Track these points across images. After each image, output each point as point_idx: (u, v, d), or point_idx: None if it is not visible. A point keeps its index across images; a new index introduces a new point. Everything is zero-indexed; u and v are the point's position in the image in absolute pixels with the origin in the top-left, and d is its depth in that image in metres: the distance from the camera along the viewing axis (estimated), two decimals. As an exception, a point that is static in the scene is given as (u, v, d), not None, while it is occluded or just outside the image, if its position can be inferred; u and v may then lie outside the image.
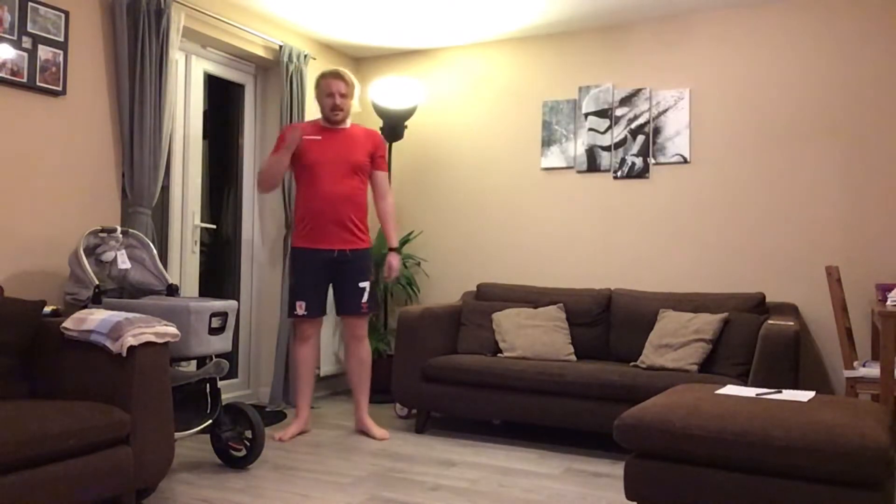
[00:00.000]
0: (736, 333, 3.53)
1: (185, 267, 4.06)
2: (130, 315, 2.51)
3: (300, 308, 3.65)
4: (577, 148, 4.50)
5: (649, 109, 4.31)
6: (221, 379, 3.51)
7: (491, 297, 4.34)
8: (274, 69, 4.57)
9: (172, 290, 3.19)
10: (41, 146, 3.17)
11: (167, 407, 2.54)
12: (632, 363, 3.73)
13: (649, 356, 3.61)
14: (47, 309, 2.79)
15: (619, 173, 4.38)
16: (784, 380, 3.06)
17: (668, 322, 3.70)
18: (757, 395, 2.46)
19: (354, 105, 3.78)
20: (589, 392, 3.42)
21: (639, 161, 4.33)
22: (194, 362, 3.51)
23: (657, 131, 4.29)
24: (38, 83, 3.11)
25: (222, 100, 4.46)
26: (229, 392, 4.34)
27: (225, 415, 3.08)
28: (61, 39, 3.20)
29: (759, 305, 3.73)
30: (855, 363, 3.27)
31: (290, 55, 4.37)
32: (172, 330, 2.56)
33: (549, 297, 4.18)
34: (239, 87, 4.53)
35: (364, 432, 3.76)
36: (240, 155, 4.55)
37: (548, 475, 3.12)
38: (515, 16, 4.31)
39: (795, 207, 3.97)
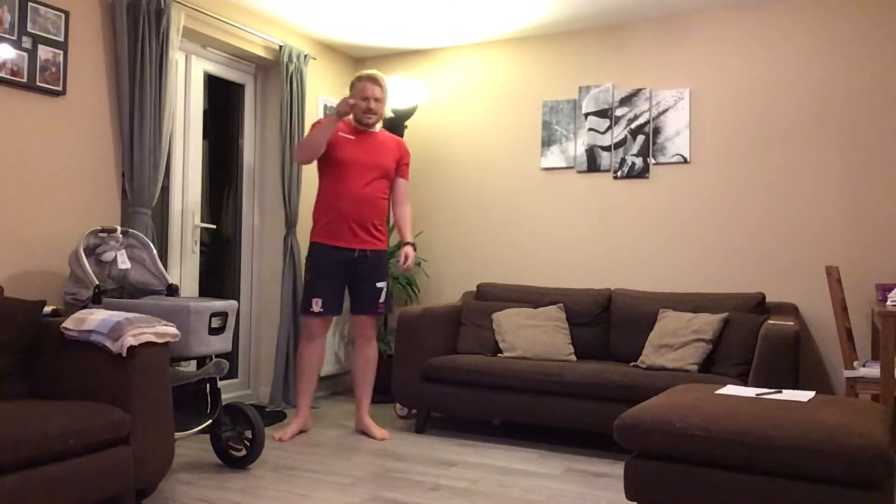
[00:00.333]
0: (736, 333, 3.53)
1: (185, 267, 4.06)
2: (130, 315, 2.51)
3: (316, 305, 3.62)
4: (577, 148, 4.50)
5: (649, 109, 4.31)
6: (221, 379, 3.51)
7: (491, 297, 4.34)
8: (274, 69, 4.57)
9: (172, 290, 3.19)
10: (41, 146, 3.17)
11: (167, 407, 2.54)
12: (632, 363, 3.73)
13: (649, 356, 3.61)
14: (47, 309, 2.79)
15: (619, 173, 4.38)
16: (784, 380, 3.06)
17: (668, 322, 3.70)
18: (757, 395, 2.46)
19: (386, 111, 3.80)
20: (589, 392, 3.42)
21: (639, 161, 4.33)
22: (194, 362, 3.51)
23: (657, 131, 4.29)
24: (38, 83, 3.11)
25: (222, 100, 4.46)
26: (229, 392, 4.34)
27: (225, 415, 3.08)
28: (61, 39, 3.20)
29: (759, 305, 3.73)
30: (855, 363, 3.27)
31: (290, 55, 4.37)
32: (172, 330, 2.56)
33: (549, 297, 4.18)
34: (239, 87, 4.53)
35: (364, 432, 3.76)
36: (240, 155, 4.55)
37: (548, 475, 3.12)
38: (515, 16, 4.31)
39: (795, 207, 3.97)
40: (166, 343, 2.54)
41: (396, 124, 4.69)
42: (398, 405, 4.25)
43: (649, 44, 4.35)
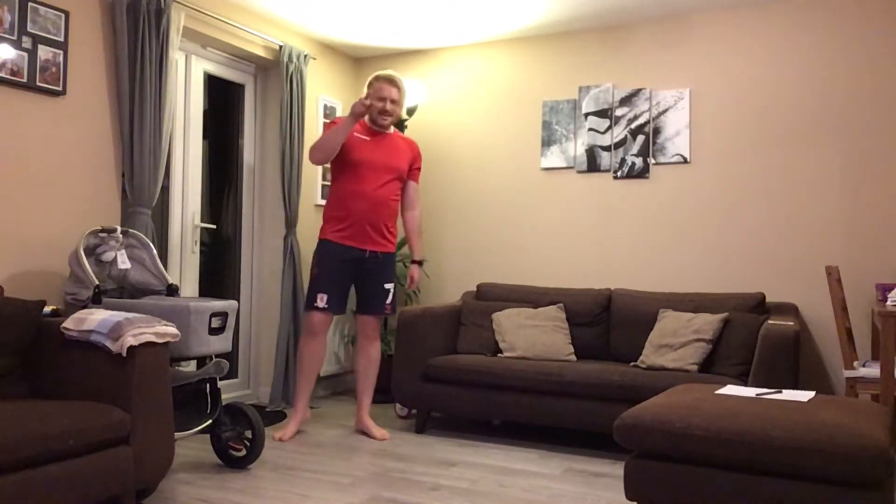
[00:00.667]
0: (736, 333, 3.53)
1: (185, 267, 4.06)
2: (130, 315, 2.51)
3: (321, 300, 3.62)
4: (577, 148, 4.50)
5: (649, 109, 4.31)
6: (221, 379, 3.52)
7: (491, 297, 4.34)
8: (274, 69, 4.57)
9: (172, 290, 3.19)
10: (41, 146, 3.17)
11: (167, 407, 2.54)
12: (632, 363, 3.73)
13: (649, 356, 3.61)
14: (47, 309, 2.79)
15: (619, 173, 4.38)
16: (784, 380, 3.06)
17: (668, 322, 3.70)
18: (757, 395, 2.46)
19: (402, 113, 3.79)
20: (589, 392, 3.42)
21: (639, 161, 4.33)
22: (194, 362, 3.51)
23: (657, 131, 4.29)
24: (38, 83, 3.11)
25: (222, 100, 4.46)
26: (229, 392, 4.34)
27: (225, 415, 3.08)
28: (61, 39, 3.20)
29: (758, 305, 3.73)
30: (855, 363, 3.27)
31: (290, 55, 4.37)
32: (172, 330, 2.56)
33: (549, 297, 4.18)
34: (239, 87, 4.53)
35: (364, 432, 3.76)
36: (240, 155, 4.55)
37: (548, 475, 3.12)
38: (515, 16, 4.31)
39: (795, 207, 3.97)
40: (166, 343, 2.54)
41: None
42: (398, 405, 4.25)
43: (649, 44, 4.35)
